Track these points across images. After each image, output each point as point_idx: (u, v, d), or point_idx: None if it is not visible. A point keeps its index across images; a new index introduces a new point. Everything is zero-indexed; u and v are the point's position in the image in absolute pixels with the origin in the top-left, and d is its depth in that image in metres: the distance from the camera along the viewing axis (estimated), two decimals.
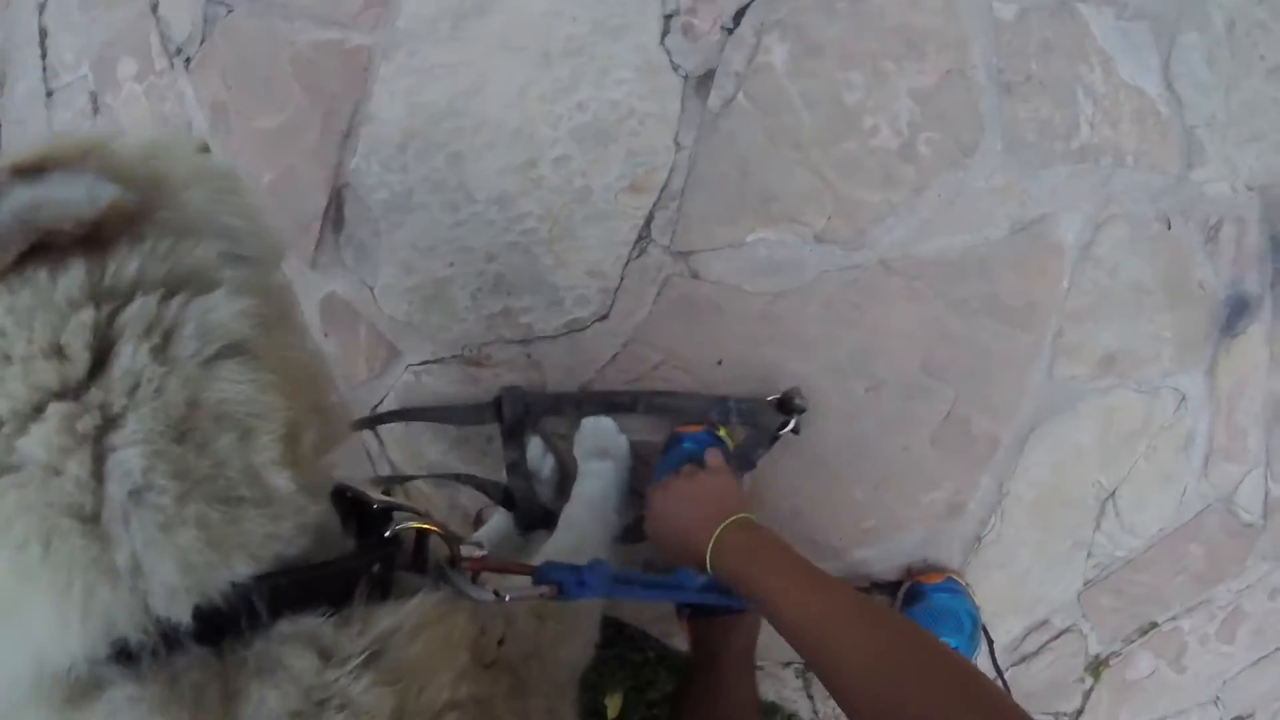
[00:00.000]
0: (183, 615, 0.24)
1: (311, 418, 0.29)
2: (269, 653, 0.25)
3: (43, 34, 1.03)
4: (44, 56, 1.03)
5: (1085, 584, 0.90)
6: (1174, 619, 1.00)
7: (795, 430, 0.70)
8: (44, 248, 0.24)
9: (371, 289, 0.78)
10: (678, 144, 0.67)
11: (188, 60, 0.85)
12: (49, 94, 1.03)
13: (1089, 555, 0.88)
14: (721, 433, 0.73)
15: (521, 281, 0.72)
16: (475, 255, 0.72)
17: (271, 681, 0.25)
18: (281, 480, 0.26)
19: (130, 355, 0.24)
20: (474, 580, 0.39)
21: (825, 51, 0.65)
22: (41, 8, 1.03)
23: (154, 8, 0.87)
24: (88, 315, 0.24)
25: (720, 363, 0.70)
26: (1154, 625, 0.99)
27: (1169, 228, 0.75)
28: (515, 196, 0.70)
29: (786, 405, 0.69)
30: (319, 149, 0.76)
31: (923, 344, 0.71)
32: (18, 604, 0.23)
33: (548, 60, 0.66)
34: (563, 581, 0.45)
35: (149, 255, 0.26)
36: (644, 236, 0.68)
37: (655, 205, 0.67)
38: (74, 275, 0.24)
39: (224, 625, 0.25)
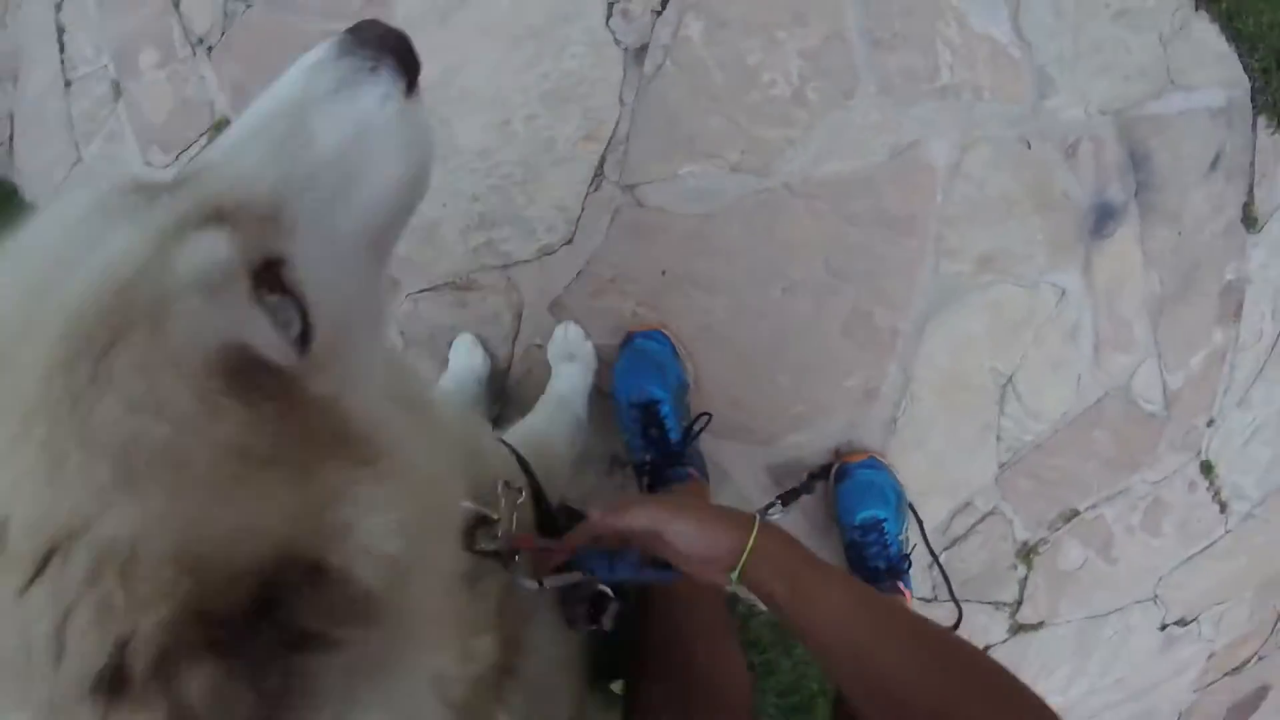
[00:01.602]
0: None
1: None
2: None
3: (60, 30, 1.40)
4: (62, 50, 1.39)
5: (1000, 467, 1.26)
6: (1095, 507, 1.36)
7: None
8: None
9: None
10: (621, 101, 1.03)
11: (209, 49, 1.22)
12: (67, 84, 1.40)
13: (998, 439, 1.24)
14: (668, 333, 1.09)
15: (501, 217, 1.08)
16: (463, 197, 1.08)
17: None
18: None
19: None
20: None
21: (731, 25, 1.02)
22: (59, 7, 1.39)
23: (176, 4, 1.24)
24: None
25: (664, 273, 1.06)
26: (1076, 513, 1.35)
27: (1029, 148, 1.12)
28: (495, 148, 1.06)
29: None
30: None
31: (825, 251, 1.08)
32: None
33: (516, 41, 1.03)
34: (595, 568, 0.57)
35: None
36: (599, 174, 1.05)
37: (606, 150, 1.04)
38: None
39: None
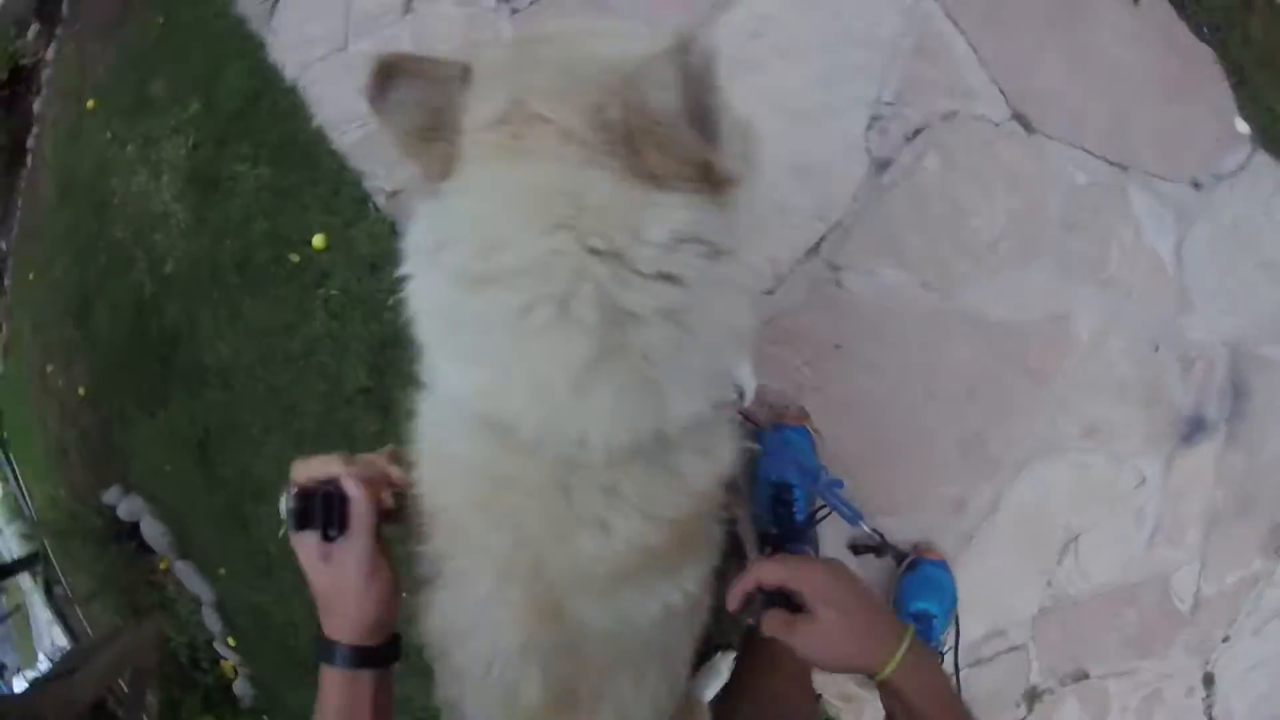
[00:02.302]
0: None
1: None
2: None
3: None
4: None
5: (1040, 610, 1.53)
6: (1103, 677, 1.62)
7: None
8: None
9: None
10: (854, 198, 1.33)
11: (514, 11, 1.51)
12: None
13: (1049, 584, 1.51)
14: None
15: None
16: None
17: None
18: None
19: None
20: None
21: (960, 170, 1.33)
22: None
23: None
24: None
25: (838, 346, 1.34)
26: (1086, 676, 1.61)
27: (1155, 350, 1.42)
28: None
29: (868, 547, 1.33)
30: None
31: (970, 376, 1.36)
32: None
33: (790, 117, 1.33)
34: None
35: None
36: (815, 249, 1.34)
37: (829, 231, 1.33)
38: None
39: None
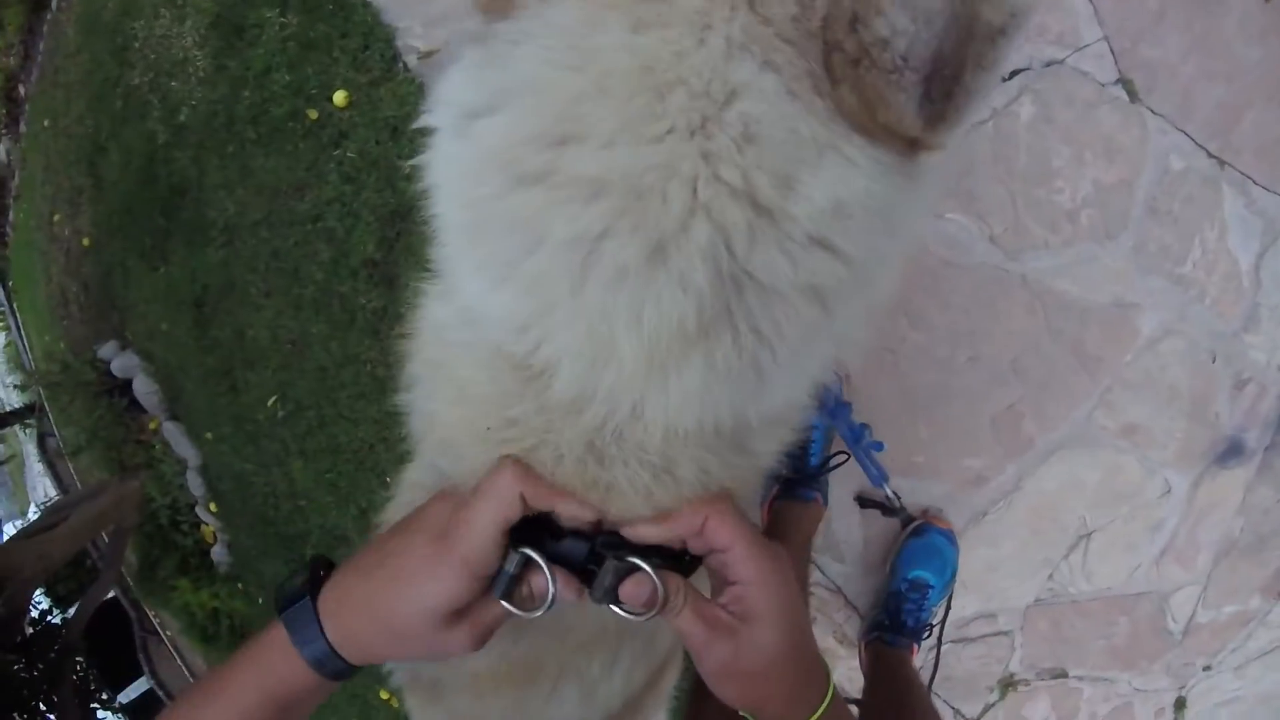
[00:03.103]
0: None
1: None
2: None
3: None
4: None
5: (1036, 601, 1.48)
6: (1080, 679, 1.58)
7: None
8: None
9: None
10: None
11: None
12: None
13: (1051, 577, 1.46)
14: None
15: None
16: None
17: None
18: None
19: None
20: None
21: (1055, 124, 1.24)
22: None
23: None
24: None
25: None
26: (1064, 674, 1.57)
27: (1213, 361, 1.35)
28: None
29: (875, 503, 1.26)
30: None
31: (1019, 347, 1.29)
32: None
33: None
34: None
35: None
36: None
37: None
38: None
39: None
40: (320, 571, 0.51)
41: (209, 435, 2.18)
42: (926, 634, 1.37)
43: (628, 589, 0.47)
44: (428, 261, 0.50)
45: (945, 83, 0.34)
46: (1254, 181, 1.31)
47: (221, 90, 1.95)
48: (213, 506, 2.25)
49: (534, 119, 0.37)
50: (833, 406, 1.17)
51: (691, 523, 0.47)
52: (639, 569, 0.47)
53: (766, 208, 0.36)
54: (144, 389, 2.24)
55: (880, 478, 1.18)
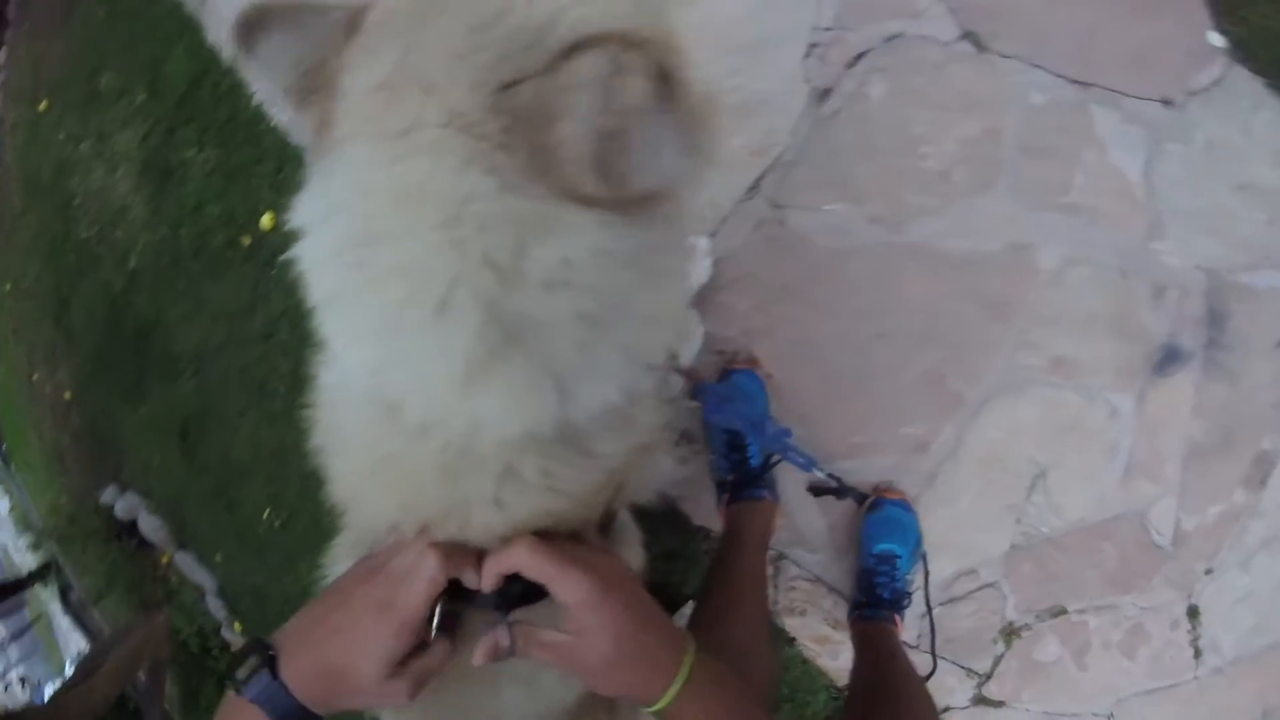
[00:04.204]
0: None
1: None
2: None
3: None
4: None
5: (1012, 546, 1.49)
6: (1082, 612, 1.58)
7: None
8: None
9: None
10: (794, 131, 1.26)
11: None
12: None
13: (1018, 521, 1.47)
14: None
15: None
16: None
17: None
18: None
19: None
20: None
21: (908, 95, 1.25)
22: None
23: None
24: None
25: (784, 287, 1.29)
26: (1064, 611, 1.58)
27: (1124, 277, 1.35)
28: None
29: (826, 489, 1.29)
30: None
31: (925, 312, 1.31)
32: None
33: (722, 52, 1.27)
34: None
35: None
36: (755, 187, 1.28)
37: (769, 168, 1.27)
38: None
39: None
40: (269, 652, 0.59)
41: (218, 558, 2.27)
42: (906, 602, 1.40)
43: (482, 649, 0.59)
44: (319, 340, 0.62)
45: (613, 160, 0.45)
46: (1124, 94, 1.31)
47: (162, 231, 2.05)
48: (237, 626, 2.34)
49: (349, 228, 0.50)
50: (713, 408, 1.19)
51: (505, 565, 0.58)
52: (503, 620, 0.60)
53: (506, 269, 0.47)
54: (149, 526, 2.34)
55: (808, 463, 1.21)
